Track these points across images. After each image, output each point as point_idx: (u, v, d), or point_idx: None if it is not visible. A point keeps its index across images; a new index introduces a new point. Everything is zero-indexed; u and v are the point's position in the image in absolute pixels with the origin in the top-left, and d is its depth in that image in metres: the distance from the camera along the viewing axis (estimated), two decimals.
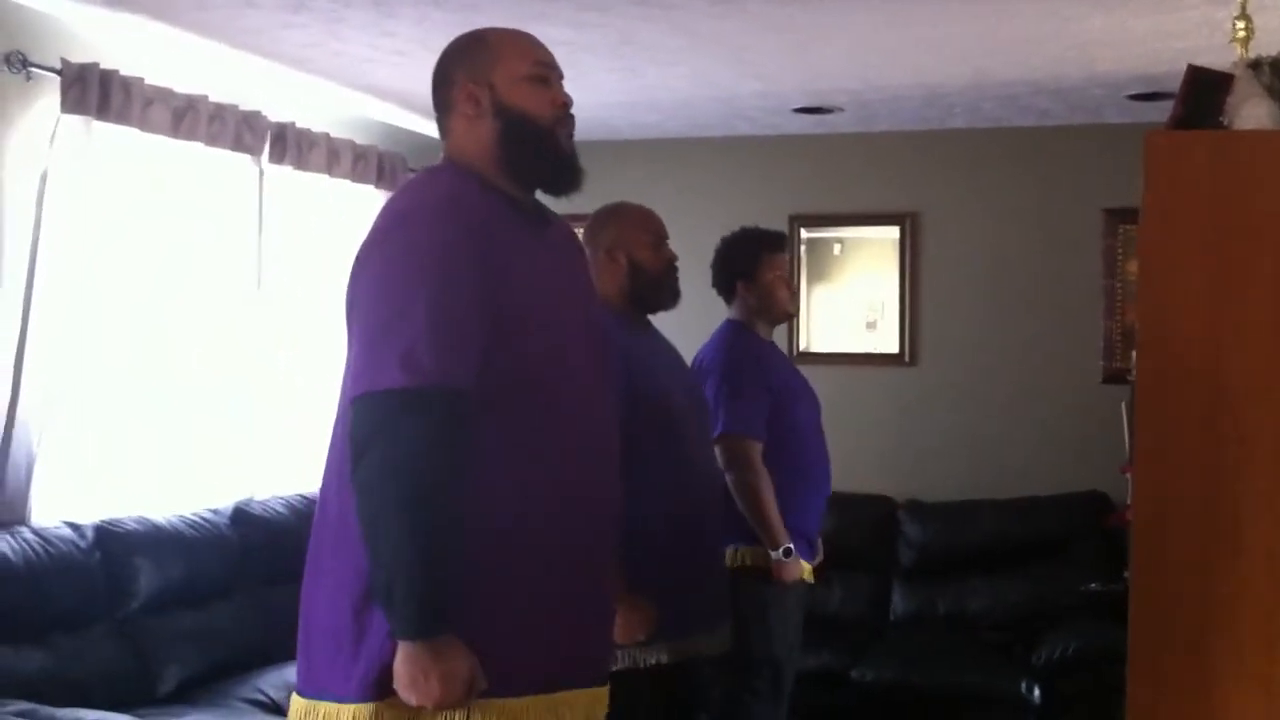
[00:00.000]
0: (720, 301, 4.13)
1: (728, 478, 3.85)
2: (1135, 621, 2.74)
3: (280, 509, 4.87)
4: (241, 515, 4.72)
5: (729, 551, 3.78)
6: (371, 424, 2.11)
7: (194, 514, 4.54)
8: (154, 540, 4.27)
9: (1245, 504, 2.67)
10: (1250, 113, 2.72)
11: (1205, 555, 2.69)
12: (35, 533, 3.96)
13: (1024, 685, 5.08)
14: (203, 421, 4.88)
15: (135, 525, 4.26)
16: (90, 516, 4.20)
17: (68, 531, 4.05)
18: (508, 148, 2.33)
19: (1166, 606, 2.71)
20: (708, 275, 4.12)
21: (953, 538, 5.88)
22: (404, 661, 2.10)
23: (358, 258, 2.28)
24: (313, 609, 2.29)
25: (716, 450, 3.83)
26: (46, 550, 3.91)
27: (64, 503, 4.18)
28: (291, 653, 4.77)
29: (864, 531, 5.90)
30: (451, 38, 2.47)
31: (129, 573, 4.17)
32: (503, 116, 2.32)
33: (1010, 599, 5.66)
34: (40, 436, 4.08)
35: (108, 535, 4.16)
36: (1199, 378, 2.70)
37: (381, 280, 2.20)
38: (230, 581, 4.55)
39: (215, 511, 4.64)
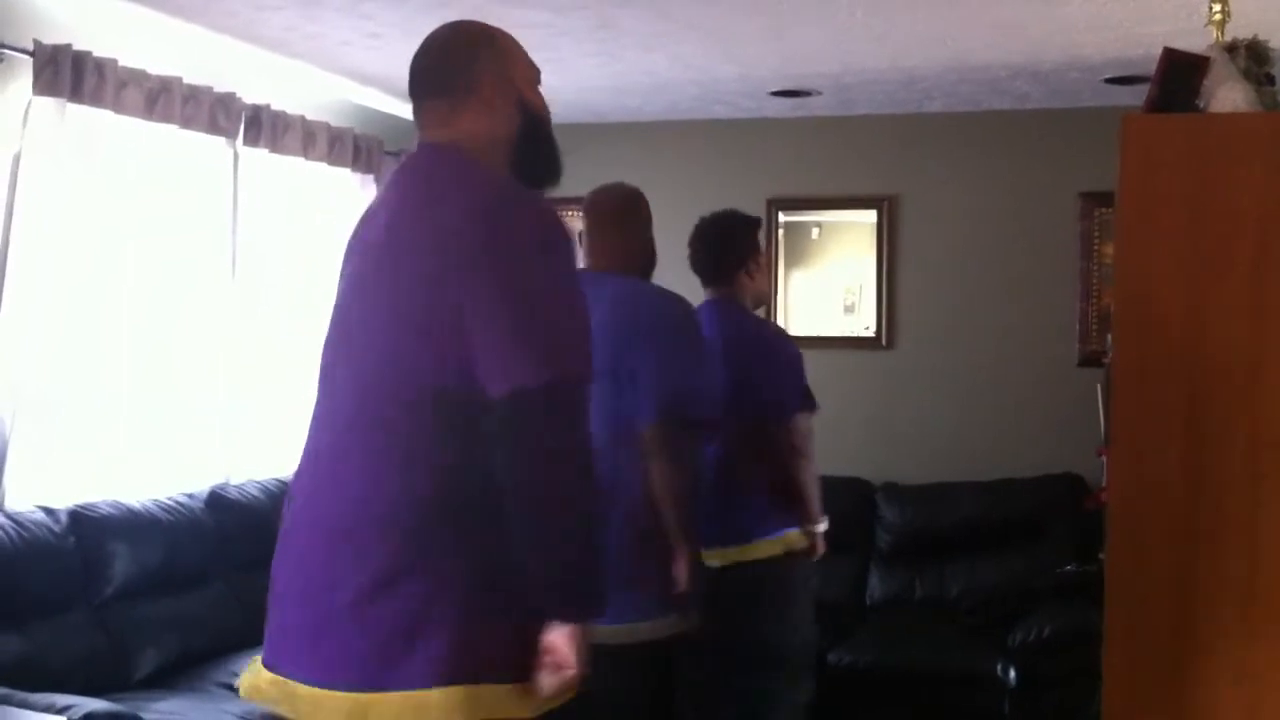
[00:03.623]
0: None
1: (801, 461, 3.88)
2: (1111, 603, 2.76)
3: (256, 493, 4.86)
4: (217, 500, 4.70)
5: (764, 541, 3.77)
6: (540, 418, 2.13)
7: (169, 498, 4.51)
8: (129, 525, 4.25)
9: (1224, 486, 2.68)
10: (1226, 95, 2.72)
11: (1182, 538, 2.70)
12: (9, 517, 3.93)
13: (1000, 666, 5.10)
14: (178, 405, 4.85)
15: (110, 510, 4.24)
16: (64, 501, 4.17)
17: (42, 516, 4.03)
18: (524, 144, 2.40)
19: (1143, 588, 2.72)
20: (686, 257, 4.06)
21: (930, 520, 5.90)
22: (571, 640, 2.17)
23: (495, 250, 2.18)
24: (436, 598, 2.18)
25: (793, 432, 3.86)
26: (21, 535, 3.89)
27: (38, 487, 4.15)
28: None
29: (841, 515, 5.82)
30: (429, 21, 2.47)
31: (104, 557, 4.15)
32: (525, 114, 2.40)
33: (987, 581, 5.68)
34: (13, 420, 4.05)
35: (83, 520, 4.14)
36: (1177, 360, 2.71)
37: (540, 280, 2.20)
38: (206, 566, 4.53)
39: (191, 496, 4.62)
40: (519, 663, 2.17)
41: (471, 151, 2.34)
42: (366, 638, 2.14)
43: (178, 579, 4.39)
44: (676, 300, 3.35)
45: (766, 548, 3.78)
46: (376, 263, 2.27)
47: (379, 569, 2.14)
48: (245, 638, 4.41)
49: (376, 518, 2.16)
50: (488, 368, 2.12)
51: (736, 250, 4.02)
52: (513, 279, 2.17)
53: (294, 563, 2.25)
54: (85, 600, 4.09)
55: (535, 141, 2.41)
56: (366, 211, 2.43)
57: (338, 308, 2.33)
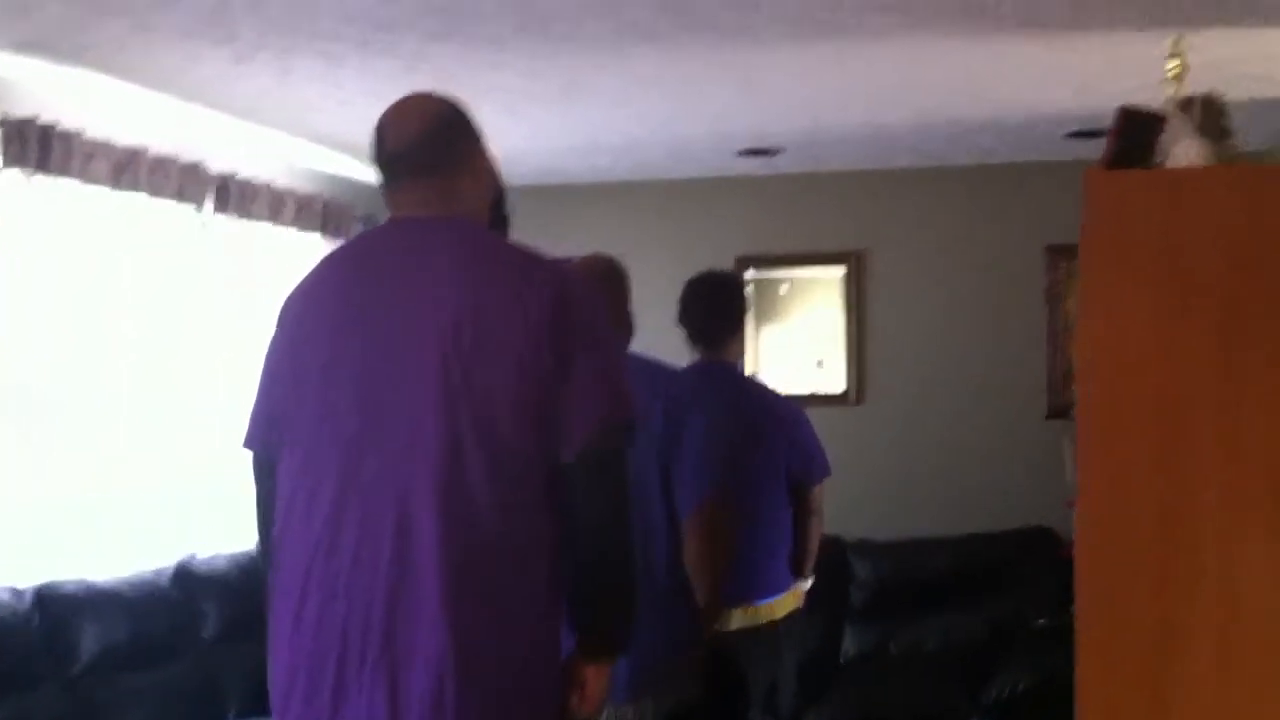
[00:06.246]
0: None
1: (816, 521, 4.03)
2: (1082, 655, 2.75)
3: (224, 565, 4.81)
4: (184, 573, 4.65)
5: (779, 598, 3.87)
6: (617, 476, 2.30)
7: (135, 574, 4.46)
8: (95, 602, 4.20)
9: (1196, 533, 2.69)
10: (1182, 153, 2.76)
11: (1155, 586, 2.70)
12: None
13: None
14: (144, 478, 4.80)
15: (75, 588, 4.19)
16: (29, 580, 4.11)
17: (6, 596, 3.98)
18: (493, 218, 2.52)
19: (1114, 638, 2.72)
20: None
21: (903, 576, 5.89)
22: (602, 675, 2.33)
23: (577, 299, 2.33)
24: (509, 650, 2.26)
25: (819, 493, 4.02)
26: None
27: (2, 565, 4.09)
28: (241, 708, 4.67)
29: (814, 572, 5.88)
30: (397, 87, 2.50)
31: (71, 635, 4.10)
32: (496, 189, 2.52)
33: (962, 636, 5.67)
34: None
35: (48, 598, 4.09)
36: (1145, 411, 2.73)
37: (606, 329, 2.40)
38: (175, 640, 4.47)
39: (157, 571, 4.57)
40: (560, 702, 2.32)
41: (478, 224, 2.43)
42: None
43: (147, 653, 4.32)
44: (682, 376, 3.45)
45: (790, 601, 3.92)
46: (427, 341, 2.26)
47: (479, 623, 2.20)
48: (218, 710, 4.36)
49: (466, 564, 2.20)
50: (571, 428, 2.23)
51: (738, 312, 4.06)
52: (602, 349, 2.33)
53: (333, 633, 2.23)
54: (54, 677, 4.02)
55: (498, 216, 2.54)
56: (338, 285, 2.45)
57: (348, 385, 2.29)
